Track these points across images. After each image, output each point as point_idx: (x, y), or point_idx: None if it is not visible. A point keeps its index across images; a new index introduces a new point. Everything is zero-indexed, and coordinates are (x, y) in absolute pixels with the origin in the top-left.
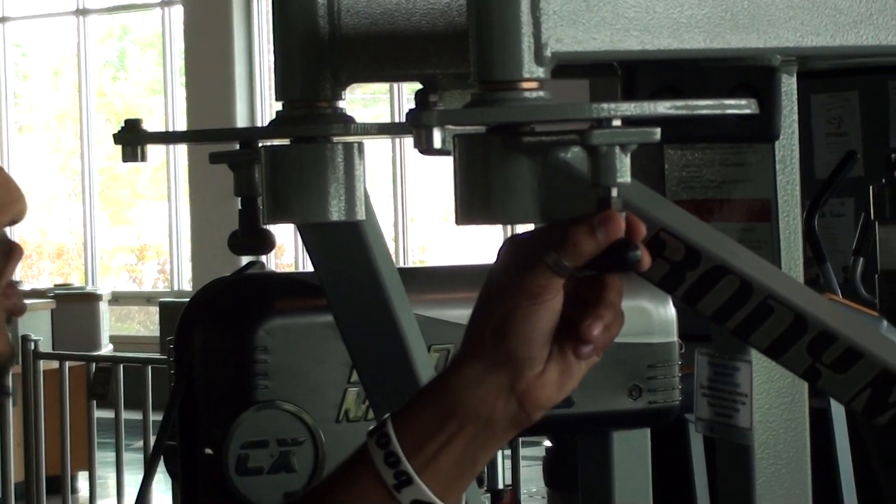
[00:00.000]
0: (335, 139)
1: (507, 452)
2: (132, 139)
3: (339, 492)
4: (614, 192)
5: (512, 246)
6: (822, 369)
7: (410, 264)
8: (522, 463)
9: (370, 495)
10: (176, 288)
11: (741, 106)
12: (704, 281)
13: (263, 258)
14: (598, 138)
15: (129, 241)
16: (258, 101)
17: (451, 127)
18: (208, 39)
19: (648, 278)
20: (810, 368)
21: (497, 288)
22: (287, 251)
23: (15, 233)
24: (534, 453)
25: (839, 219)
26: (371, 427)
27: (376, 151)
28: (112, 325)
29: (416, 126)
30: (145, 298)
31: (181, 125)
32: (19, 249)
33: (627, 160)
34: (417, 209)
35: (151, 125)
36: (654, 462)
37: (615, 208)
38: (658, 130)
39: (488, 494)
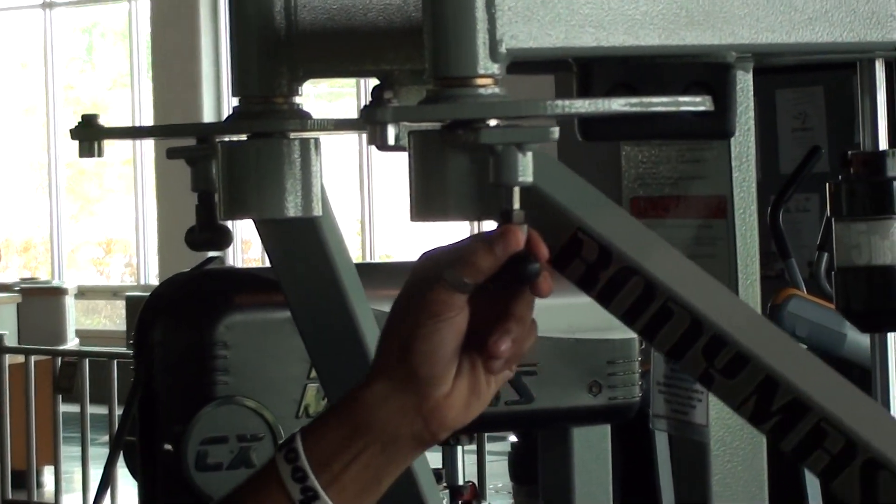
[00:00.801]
0: (292, 135)
1: (472, 447)
2: (88, 134)
3: None
4: (516, 192)
5: (421, 262)
6: (715, 374)
7: (376, 260)
8: (488, 458)
9: None
10: (142, 282)
11: (696, 103)
12: (615, 282)
13: (230, 253)
14: (486, 137)
15: (96, 236)
16: (224, 96)
17: (406, 123)
18: (175, 34)
19: (569, 278)
20: (705, 373)
21: (403, 306)
22: (254, 246)
23: None
24: (499, 448)
25: (805, 214)
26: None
27: (342, 147)
28: (78, 319)
29: (371, 122)
30: (112, 292)
31: (148, 120)
32: None
33: (528, 159)
34: (384, 204)
35: (118, 120)
36: (620, 457)
37: (517, 221)
38: (557, 129)
39: (447, 490)
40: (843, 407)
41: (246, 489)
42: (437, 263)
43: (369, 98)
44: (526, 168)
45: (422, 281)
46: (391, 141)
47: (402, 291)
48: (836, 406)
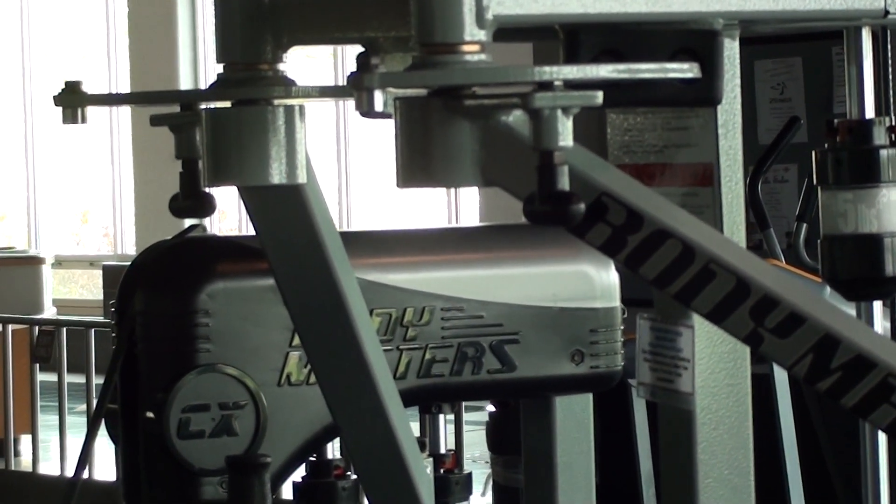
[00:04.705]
0: (276, 102)
1: (450, 417)
2: (72, 101)
3: None
4: (557, 156)
5: None
6: (765, 334)
7: (354, 228)
8: (465, 427)
9: None
10: (119, 251)
11: (683, 70)
12: (646, 245)
13: (207, 221)
14: (540, 101)
15: (72, 205)
16: (202, 64)
17: (392, 90)
18: (152, 1)
19: (590, 242)
20: (752, 333)
21: None
22: (230, 216)
23: None
24: (477, 418)
25: (783, 184)
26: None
27: (319, 116)
28: (55, 288)
29: (358, 88)
30: (89, 262)
31: (125, 88)
32: None
33: (569, 123)
34: (361, 173)
35: (94, 88)
36: (597, 426)
37: (558, 162)
38: (600, 94)
39: (431, 459)
40: None
41: None
42: None
43: (348, 67)
44: (567, 132)
45: None
46: (378, 107)
47: None
48: None
